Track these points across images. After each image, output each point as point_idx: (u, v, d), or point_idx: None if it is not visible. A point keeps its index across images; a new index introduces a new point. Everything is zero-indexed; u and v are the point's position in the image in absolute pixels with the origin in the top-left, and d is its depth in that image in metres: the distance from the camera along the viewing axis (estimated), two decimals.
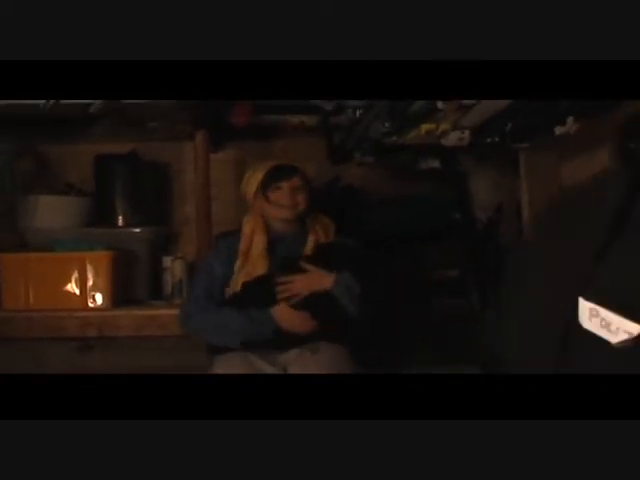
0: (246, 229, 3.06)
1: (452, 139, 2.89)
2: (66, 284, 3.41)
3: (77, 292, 3.41)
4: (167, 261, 3.66)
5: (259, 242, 3.02)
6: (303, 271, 2.98)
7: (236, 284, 3.00)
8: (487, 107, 2.55)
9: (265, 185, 3.03)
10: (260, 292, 2.96)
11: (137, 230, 3.65)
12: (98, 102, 3.09)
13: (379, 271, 3.11)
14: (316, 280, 2.96)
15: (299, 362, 2.87)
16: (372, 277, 3.01)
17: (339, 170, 3.76)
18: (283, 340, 2.92)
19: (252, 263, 3.00)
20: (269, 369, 2.86)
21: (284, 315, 2.92)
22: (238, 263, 3.01)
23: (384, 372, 3.13)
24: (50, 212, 3.58)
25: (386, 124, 2.75)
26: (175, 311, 3.37)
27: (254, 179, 3.06)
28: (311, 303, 2.94)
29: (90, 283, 3.42)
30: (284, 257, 3.03)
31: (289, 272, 2.98)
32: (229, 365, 2.85)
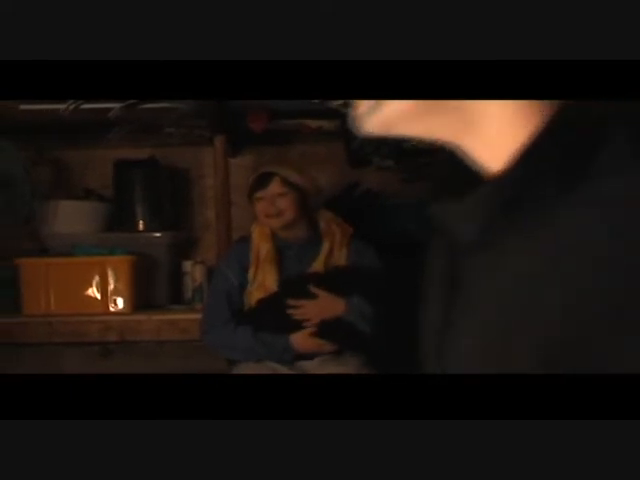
0: (254, 236, 3.03)
1: None
2: (87, 289, 3.42)
3: (98, 297, 3.42)
4: (187, 265, 3.66)
5: (265, 250, 2.98)
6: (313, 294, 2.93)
7: (252, 296, 2.98)
8: None
9: (251, 197, 3.02)
10: (275, 310, 2.93)
11: (157, 235, 3.65)
12: (116, 108, 3.10)
13: (391, 287, 3.02)
14: (327, 306, 2.91)
15: (320, 369, 2.86)
16: (384, 297, 2.95)
17: (358, 174, 3.76)
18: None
19: (262, 270, 2.96)
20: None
21: (302, 343, 2.89)
22: (251, 271, 2.98)
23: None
24: (70, 217, 3.58)
25: None
26: (195, 315, 3.37)
27: (248, 190, 3.05)
28: (326, 328, 2.91)
29: (111, 288, 3.42)
30: (291, 278, 2.98)
31: (298, 293, 2.93)
32: (249, 371, 2.85)
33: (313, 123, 3.54)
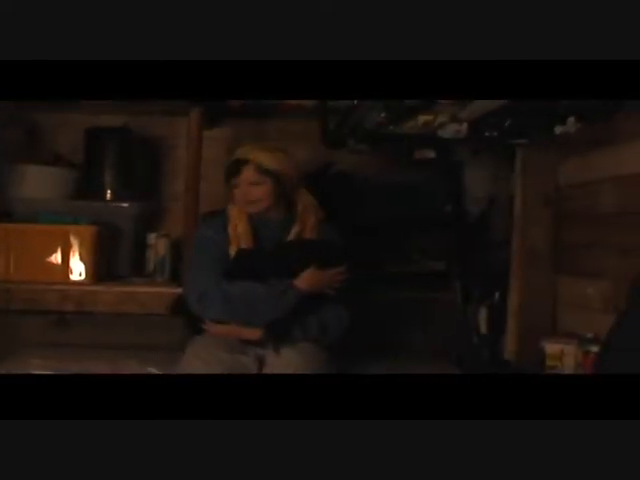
0: (231, 213, 2.99)
1: (449, 131, 2.86)
2: (48, 257, 3.34)
3: (59, 265, 3.35)
4: (152, 238, 3.61)
5: (241, 229, 2.94)
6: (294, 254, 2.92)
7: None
8: (487, 102, 2.52)
9: (227, 182, 2.97)
10: (259, 262, 2.91)
11: (124, 205, 3.58)
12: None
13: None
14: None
15: (278, 355, 2.84)
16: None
17: (333, 155, 3.71)
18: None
19: (237, 239, 2.93)
20: (243, 358, 2.82)
21: (311, 281, 2.86)
22: (232, 247, 2.93)
23: (360, 366, 3.13)
24: (36, 182, 3.51)
25: (382, 114, 2.70)
26: (156, 289, 3.36)
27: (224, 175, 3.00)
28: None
29: (73, 257, 3.36)
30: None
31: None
32: (204, 346, 2.83)
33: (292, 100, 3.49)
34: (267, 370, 2.80)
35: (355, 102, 2.79)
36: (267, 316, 2.82)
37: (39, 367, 3.13)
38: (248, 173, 2.91)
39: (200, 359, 2.76)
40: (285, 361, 2.79)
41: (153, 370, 3.14)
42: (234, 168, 2.93)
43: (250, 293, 2.83)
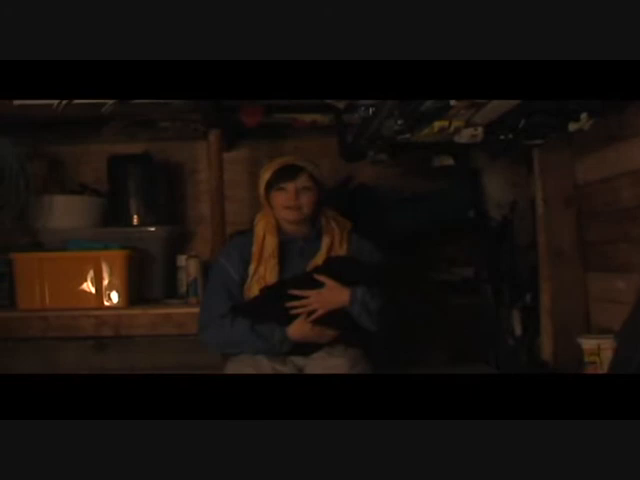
0: (258, 229, 3.01)
1: (465, 136, 2.88)
2: (81, 283, 3.42)
3: (92, 291, 3.42)
4: (182, 260, 3.66)
5: (270, 244, 2.97)
6: (318, 284, 2.90)
7: (251, 290, 2.95)
8: (500, 104, 2.55)
9: (271, 185, 2.97)
10: (275, 303, 2.91)
11: (151, 229, 3.65)
12: (110, 103, 3.10)
13: (394, 280, 3.01)
14: (333, 296, 2.88)
15: (315, 364, 2.86)
16: (388, 291, 2.92)
17: (352, 169, 3.76)
18: (300, 348, 2.91)
19: (265, 265, 2.94)
20: (283, 370, 2.85)
21: (300, 332, 2.87)
22: (252, 266, 2.96)
23: (399, 372, 3.12)
24: (64, 212, 3.58)
25: (399, 122, 2.74)
26: (190, 309, 3.38)
27: (262, 179, 3.01)
28: (327, 318, 2.89)
29: (105, 282, 3.42)
30: (296, 274, 2.96)
31: (299, 287, 2.91)
32: (242, 365, 2.85)
33: (307, 117, 3.54)
34: None
35: (371, 112, 2.84)
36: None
37: None
38: (303, 178, 2.95)
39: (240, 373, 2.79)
40: (324, 370, 2.79)
41: None
42: (289, 173, 2.96)
43: (246, 337, 2.88)
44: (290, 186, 2.94)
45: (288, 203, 2.94)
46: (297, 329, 2.87)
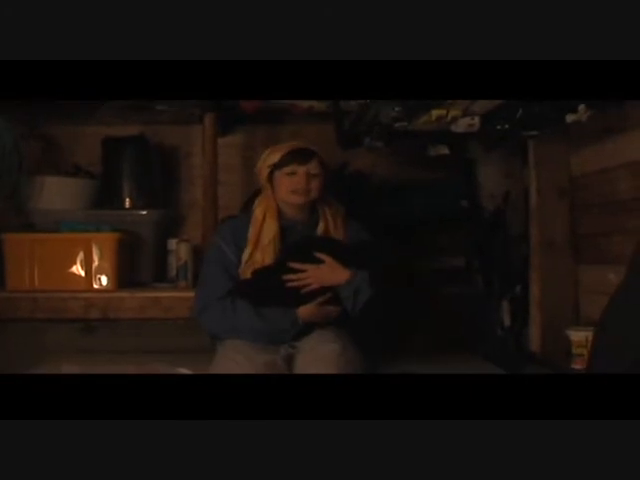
0: (257, 213, 2.97)
1: (462, 125, 2.88)
2: (71, 265, 3.39)
3: (82, 273, 3.39)
4: (172, 243, 3.64)
5: (270, 228, 2.93)
6: (316, 261, 2.89)
7: (245, 273, 2.91)
8: None
9: (280, 168, 2.94)
10: (270, 283, 2.89)
11: (143, 212, 3.62)
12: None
13: (389, 270, 2.98)
14: (331, 274, 2.88)
15: (307, 348, 2.83)
16: (384, 280, 2.91)
17: (348, 155, 3.74)
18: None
19: (261, 251, 2.91)
20: (274, 357, 2.80)
21: (310, 313, 2.86)
22: (247, 251, 2.92)
23: (382, 355, 3.12)
24: (56, 193, 3.56)
25: (396, 109, 2.73)
26: (178, 294, 3.38)
27: (269, 161, 2.96)
28: (321, 294, 2.89)
29: (95, 264, 3.39)
30: (297, 243, 2.95)
31: (301, 260, 2.90)
32: (233, 352, 2.81)
33: (304, 103, 3.51)
34: (297, 367, 2.79)
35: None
36: (264, 341, 2.84)
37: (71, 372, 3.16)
38: (314, 163, 2.93)
39: (231, 360, 2.76)
40: (314, 358, 2.76)
41: (183, 371, 3.13)
42: (301, 156, 2.94)
43: (251, 321, 2.84)
44: (301, 170, 2.92)
45: (297, 187, 2.92)
46: (307, 311, 2.86)
